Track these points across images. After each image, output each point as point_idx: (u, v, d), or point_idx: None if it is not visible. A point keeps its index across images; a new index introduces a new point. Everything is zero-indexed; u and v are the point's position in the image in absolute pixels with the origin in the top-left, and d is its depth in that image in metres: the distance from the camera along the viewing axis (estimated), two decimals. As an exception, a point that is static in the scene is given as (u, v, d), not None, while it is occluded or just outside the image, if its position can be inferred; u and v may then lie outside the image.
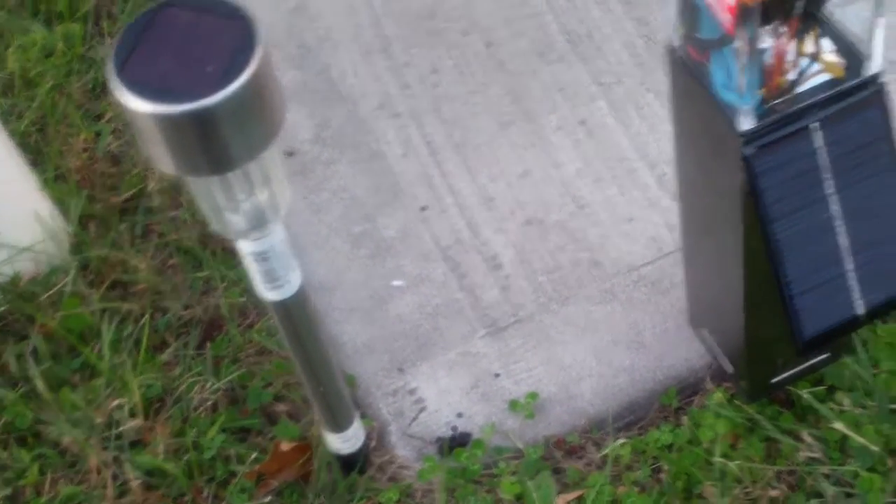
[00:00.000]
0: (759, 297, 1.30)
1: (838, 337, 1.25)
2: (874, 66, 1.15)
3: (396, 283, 1.69)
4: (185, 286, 1.64)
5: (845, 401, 1.51)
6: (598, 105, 1.82)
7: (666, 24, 1.17)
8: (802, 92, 1.14)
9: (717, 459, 1.48)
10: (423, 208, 1.75)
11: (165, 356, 1.57)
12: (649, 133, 1.78)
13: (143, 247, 1.68)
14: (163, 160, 0.95)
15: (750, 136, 1.14)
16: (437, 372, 1.61)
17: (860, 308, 1.24)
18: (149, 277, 1.62)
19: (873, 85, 1.16)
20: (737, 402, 1.52)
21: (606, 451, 1.51)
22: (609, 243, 1.69)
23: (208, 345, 1.59)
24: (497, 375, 1.60)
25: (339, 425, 1.40)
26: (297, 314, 1.21)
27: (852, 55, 1.15)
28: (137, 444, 1.50)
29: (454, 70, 1.89)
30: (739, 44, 1.05)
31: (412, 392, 1.60)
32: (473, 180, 1.77)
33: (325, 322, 1.66)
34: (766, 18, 1.06)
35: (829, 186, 1.18)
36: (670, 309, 1.61)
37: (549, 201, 1.74)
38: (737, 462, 1.48)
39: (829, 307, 1.23)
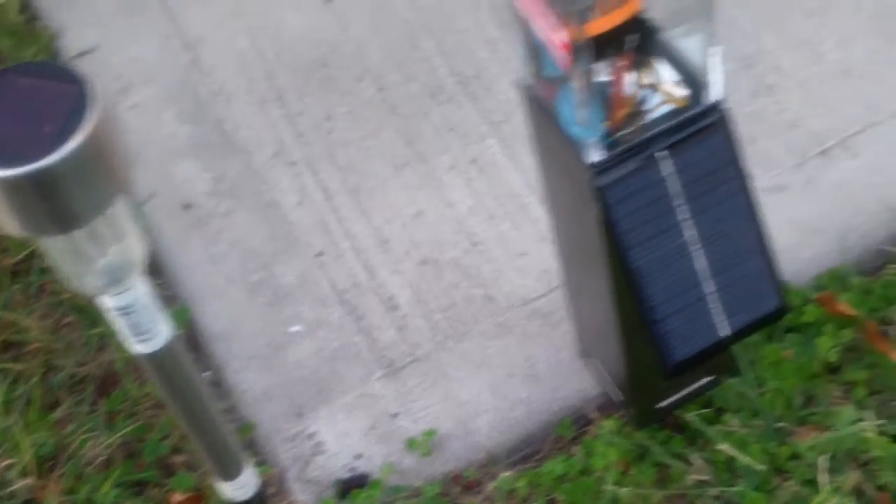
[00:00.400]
0: (631, 324, 1.33)
1: (706, 360, 1.28)
2: (714, 94, 1.19)
3: (294, 329, 1.71)
4: (80, 343, 1.65)
5: (733, 421, 1.54)
6: (489, 143, 1.86)
7: (519, 63, 1.20)
8: (648, 122, 1.18)
9: (609, 487, 1.50)
10: (320, 254, 1.78)
11: (59, 413, 1.58)
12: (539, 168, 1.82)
13: (37, 306, 1.69)
14: (8, 221, 0.97)
15: (599, 168, 1.17)
16: (335, 415, 1.63)
17: (725, 329, 1.27)
18: (41, 336, 1.63)
19: (715, 112, 1.20)
20: (628, 429, 1.55)
21: (496, 483, 1.53)
22: (503, 278, 1.72)
23: (103, 400, 1.60)
24: (395, 415, 1.62)
25: (229, 473, 1.41)
26: (169, 365, 1.22)
27: (695, 84, 1.19)
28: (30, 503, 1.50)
29: (348, 116, 1.92)
30: (575, 79, 1.09)
31: (311, 436, 1.61)
32: (368, 223, 1.80)
33: (223, 371, 1.68)
34: (600, 53, 1.10)
35: (682, 212, 1.22)
36: (563, 340, 1.64)
37: (443, 240, 1.77)
38: (628, 489, 1.50)
39: (694, 331, 1.26)
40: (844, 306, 1.59)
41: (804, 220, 1.72)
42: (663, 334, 1.25)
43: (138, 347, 1.19)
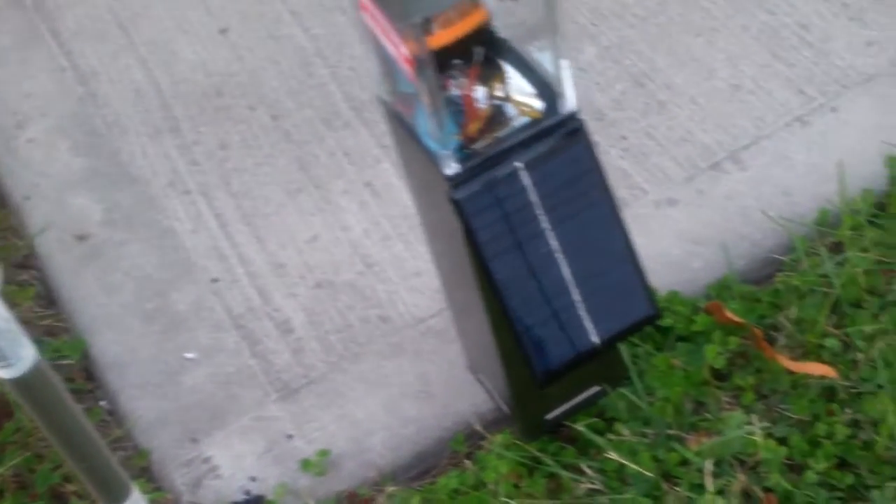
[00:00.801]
0: (506, 337, 1.34)
1: (577, 368, 1.29)
2: (568, 104, 1.20)
3: (189, 355, 1.70)
4: (-31, 376, 1.64)
5: (624, 431, 1.55)
6: (383, 167, 1.87)
7: (374, 78, 1.22)
8: (505, 134, 1.20)
9: (501, 500, 1.51)
10: (215, 280, 1.78)
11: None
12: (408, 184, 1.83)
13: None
14: None
15: (456, 181, 1.18)
16: (230, 439, 1.62)
17: (594, 338, 1.28)
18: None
19: (571, 122, 1.22)
20: (521, 442, 1.55)
21: (389, 501, 1.53)
22: (397, 298, 1.73)
23: (-7, 432, 1.59)
24: (290, 437, 1.62)
25: (114, 498, 1.40)
26: (38, 390, 1.21)
27: (551, 96, 1.21)
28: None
29: (242, 144, 1.93)
30: (422, 93, 1.10)
31: (206, 461, 1.61)
32: (263, 249, 1.80)
33: (118, 399, 1.67)
34: (444, 66, 1.11)
35: (545, 222, 1.23)
36: (456, 357, 1.65)
37: (338, 263, 1.77)
38: (519, 500, 1.51)
39: (563, 339, 1.27)
40: (731, 314, 1.61)
41: (695, 232, 1.74)
42: (532, 344, 1.26)
43: (1, 373, 1.18)
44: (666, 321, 1.63)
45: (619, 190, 1.79)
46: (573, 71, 1.18)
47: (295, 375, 1.67)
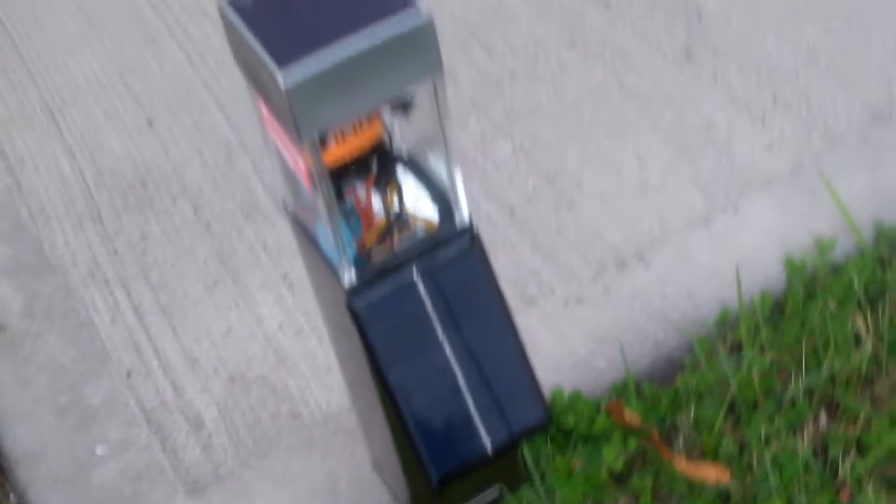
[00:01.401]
0: (403, 440, 1.38)
1: (471, 473, 1.33)
2: (462, 216, 1.26)
3: (99, 450, 1.72)
4: None
5: (525, 531, 1.59)
6: (300, 261, 1.90)
7: (279, 187, 1.26)
8: (402, 244, 1.24)
9: None
10: (129, 373, 1.80)
11: None
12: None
13: None
14: None
15: (354, 290, 1.23)
16: (139, 536, 1.65)
17: (487, 445, 1.32)
18: None
19: (467, 234, 1.27)
20: (424, 540, 1.59)
21: None
22: (308, 394, 1.76)
23: None
24: (198, 534, 1.64)
25: None
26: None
27: (446, 207, 1.26)
28: None
29: (162, 236, 1.96)
30: (319, 205, 1.15)
31: (114, 558, 1.63)
32: (179, 341, 1.83)
33: (27, 494, 1.69)
34: (341, 180, 1.16)
35: (440, 331, 1.28)
36: (364, 455, 1.68)
37: (251, 357, 1.81)
38: None
39: (457, 446, 1.31)
40: (630, 415, 1.66)
41: (600, 331, 1.80)
42: (426, 450, 1.30)
43: None
44: (568, 422, 1.68)
45: (529, 287, 1.85)
46: (464, 182, 1.23)
47: (204, 472, 1.69)
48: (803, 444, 1.64)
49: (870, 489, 1.59)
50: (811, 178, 1.93)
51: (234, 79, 2.12)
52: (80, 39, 2.29)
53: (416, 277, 1.25)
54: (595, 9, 2.22)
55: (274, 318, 1.85)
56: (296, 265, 1.91)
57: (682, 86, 2.08)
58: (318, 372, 1.78)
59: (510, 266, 1.87)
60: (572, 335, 1.80)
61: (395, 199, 1.23)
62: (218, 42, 2.23)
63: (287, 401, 1.76)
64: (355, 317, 1.24)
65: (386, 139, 1.20)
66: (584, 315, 1.82)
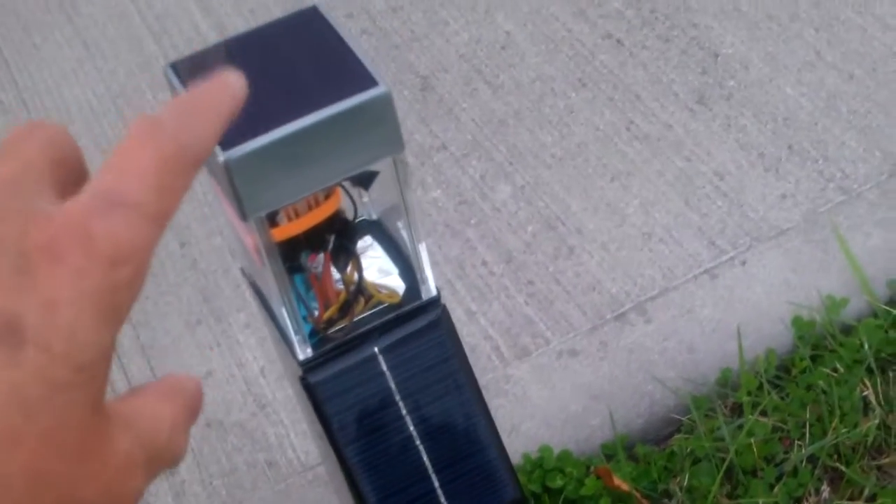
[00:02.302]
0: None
1: (436, 552, 1.26)
2: (429, 290, 1.18)
3: (67, 495, 1.66)
4: None
5: None
6: (286, 302, 1.84)
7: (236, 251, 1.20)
8: (362, 318, 1.17)
9: None
10: (104, 414, 1.74)
11: None
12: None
13: None
14: None
15: (309, 365, 1.15)
16: (102, 587, 1.58)
17: (454, 524, 1.25)
18: None
19: (433, 307, 1.19)
20: None
21: None
22: (286, 442, 1.69)
23: None
24: (163, 588, 1.58)
25: None
26: None
27: (411, 280, 1.18)
28: None
29: (148, 271, 1.90)
30: (269, 281, 1.08)
31: None
32: (157, 383, 1.77)
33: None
34: (291, 257, 1.09)
35: (404, 408, 1.20)
36: (340, 510, 1.61)
37: (230, 401, 1.74)
38: None
39: (421, 525, 1.24)
40: (619, 481, 1.58)
41: (594, 386, 1.72)
42: (388, 530, 1.23)
43: None
44: (556, 483, 1.60)
45: (522, 337, 1.77)
46: (435, 235, 1.15)
47: (174, 521, 1.63)
48: (803, 518, 1.56)
49: (870, 570, 1.50)
50: (825, 231, 1.84)
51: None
52: (76, 64, 2.24)
53: (378, 352, 1.18)
54: (607, 46, 2.14)
55: (256, 361, 1.78)
56: (282, 306, 1.84)
57: (693, 131, 2.00)
58: (298, 420, 1.71)
59: (504, 314, 1.79)
60: (565, 389, 1.72)
61: (355, 272, 1.16)
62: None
63: (264, 449, 1.69)
64: (311, 392, 1.16)
65: (344, 213, 1.13)
66: (578, 369, 1.74)
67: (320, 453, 1.47)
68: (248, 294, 1.83)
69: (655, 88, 2.06)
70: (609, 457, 1.65)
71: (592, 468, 1.62)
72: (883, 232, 1.84)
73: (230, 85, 0.49)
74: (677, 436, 1.67)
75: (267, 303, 1.19)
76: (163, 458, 0.46)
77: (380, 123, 1.02)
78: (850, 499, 1.58)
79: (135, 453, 0.43)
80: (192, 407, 0.48)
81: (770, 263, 1.82)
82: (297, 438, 1.69)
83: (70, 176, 0.48)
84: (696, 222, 1.88)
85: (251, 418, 1.72)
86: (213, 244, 1.93)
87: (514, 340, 1.77)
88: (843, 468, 1.59)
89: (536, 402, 1.70)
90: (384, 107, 1.01)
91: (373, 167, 1.07)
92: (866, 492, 1.57)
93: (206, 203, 1.99)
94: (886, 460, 1.62)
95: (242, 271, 1.23)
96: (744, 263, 1.83)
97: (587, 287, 1.83)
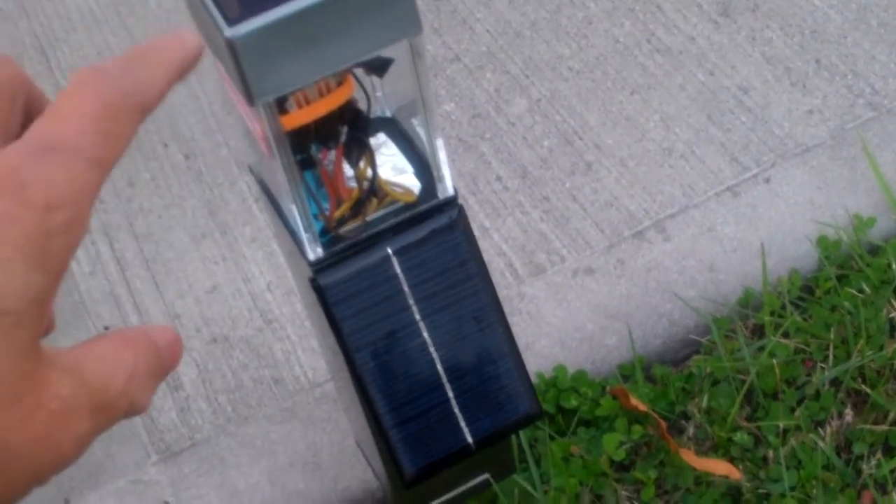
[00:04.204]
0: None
1: (449, 467, 1.20)
2: (446, 189, 1.12)
3: (68, 409, 1.62)
4: None
5: (515, 519, 1.47)
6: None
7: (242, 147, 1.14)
8: (376, 217, 1.11)
9: (377, 588, 1.43)
10: (107, 328, 1.69)
11: None
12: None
13: None
14: None
15: (320, 265, 1.10)
16: (104, 501, 1.54)
17: (468, 437, 1.19)
18: None
19: (449, 207, 1.13)
20: (406, 524, 1.47)
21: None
22: (293, 359, 1.64)
23: None
24: (166, 503, 1.53)
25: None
26: None
27: (427, 178, 1.12)
28: None
29: (151, 183, 1.84)
30: (278, 173, 1.02)
31: (75, 526, 1.52)
32: (161, 297, 1.72)
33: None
34: (301, 147, 1.03)
35: (417, 312, 1.15)
36: (349, 426, 1.57)
37: (236, 317, 1.69)
38: (396, 590, 1.42)
39: (434, 437, 1.19)
40: (636, 401, 1.53)
41: (611, 305, 1.66)
42: (400, 441, 1.17)
43: None
44: (570, 403, 1.55)
45: (537, 254, 1.71)
46: (448, 149, 1.09)
47: (179, 437, 1.58)
48: (825, 441, 1.51)
49: (895, 493, 1.45)
50: (853, 149, 1.78)
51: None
52: (80, -29, 2.17)
53: (391, 253, 1.12)
54: (628, -42, 2.06)
55: (262, 276, 1.73)
56: (290, 220, 1.78)
57: (716, 44, 1.92)
58: (305, 336, 1.66)
59: (518, 231, 1.73)
60: (581, 308, 1.67)
61: (368, 168, 1.09)
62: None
63: (270, 366, 1.64)
64: (321, 294, 1.11)
65: (356, 102, 1.06)
66: (594, 287, 1.68)
67: (329, 367, 1.43)
68: (255, 207, 1.78)
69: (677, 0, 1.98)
70: (626, 378, 1.59)
71: (608, 389, 1.57)
72: (912, 150, 1.77)
73: (185, 39, 0.49)
74: (696, 357, 1.61)
75: (276, 201, 1.13)
76: (116, 407, 0.44)
77: (396, 1, 0.95)
78: (875, 423, 1.53)
79: (77, 399, 0.43)
80: (161, 359, 0.47)
81: (795, 181, 1.76)
82: (304, 355, 1.64)
83: (15, 116, 0.48)
84: (719, 138, 1.82)
85: (257, 334, 1.67)
86: (218, 156, 1.87)
87: (528, 257, 1.71)
88: (867, 391, 1.54)
89: (551, 321, 1.65)
90: (401, -21, 0.94)
91: (388, 53, 1.01)
92: (892, 415, 1.52)
93: (210, 114, 1.92)
94: (913, 383, 1.56)
95: (251, 169, 1.17)
96: (767, 181, 1.76)
97: (604, 204, 1.77)
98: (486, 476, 1.45)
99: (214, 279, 1.73)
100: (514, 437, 1.48)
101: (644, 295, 1.67)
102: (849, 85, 1.85)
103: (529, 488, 1.47)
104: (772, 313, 1.61)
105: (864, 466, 1.49)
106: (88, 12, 2.09)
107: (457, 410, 1.19)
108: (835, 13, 1.93)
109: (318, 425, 1.58)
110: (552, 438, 1.52)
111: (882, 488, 1.48)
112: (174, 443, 1.58)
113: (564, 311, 1.66)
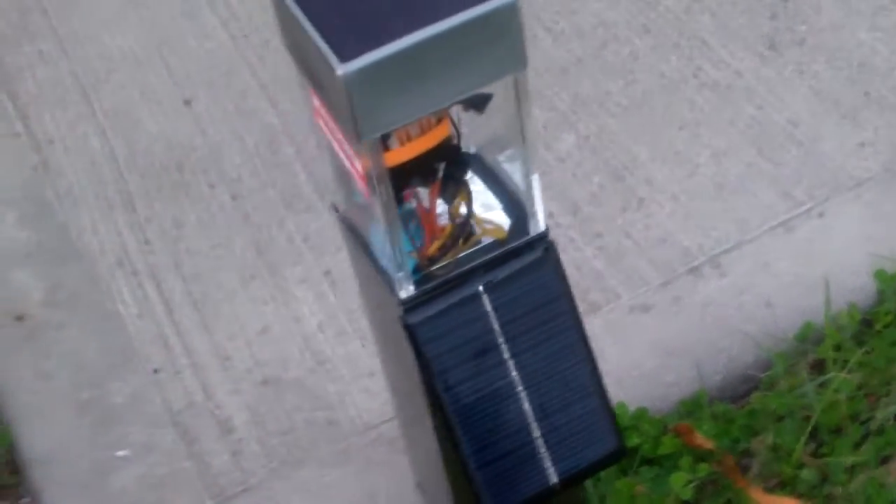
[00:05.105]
0: (457, 467, 1.23)
1: (534, 506, 1.18)
2: (538, 224, 1.10)
3: (121, 453, 1.59)
4: None
5: (584, 561, 1.44)
6: (344, 255, 1.75)
7: (329, 184, 1.12)
8: (466, 255, 1.09)
9: None
10: (157, 371, 1.66)
11: None
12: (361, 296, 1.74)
13: None
14: None
15: (411, 304, 1.08)
16: (161, 549, 1.51)
17: (553, 477, 1.17)
18: None
19: (540, 244, 1.11)
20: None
21: None
22: (348, 400, 1.62)
23: None
24: (224, 549, 1.50)
25: None
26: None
27: (518, 215, 1.11)
28: None
29: (198, 224, 1.82)
30: (376, 210, 1.00)
31: (132, 573, 1.49)
32: (210, 339, 1.69)
33: (41, 497, 1.55)
34: (402, 184, 1.01)
35: (506, 351, 1.13)
36: (407, 470, 1.54)
37: (287, 358, 1.67)
38: None
39: (519, 478, 1.16)
40: (701, 438, 1.51)
41: (668, 342, 1.64)
42: (485, 481, 1.15)
43: None
44: (632, 441, 1.53)
45: (592, 292, 1.69)
46: (542, 181, 1.07)
47: (232, 481, 1.55)
48: (892, 477, 1.48)
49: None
50: (905, 182, 1.77)
51: (280, 58, 1.98)
52: (117, 12, 2.15)
53: (482, 291, 1.10)
54: (669, -7, 2.06)
55: (314, 316, 1.71)
56: (339, 260, 1.76)
57: (764, 79, 1.92)
58: (359, 376, 1.64)
59: (572, 268, 1.71)
60: (638, 346, 1.65)
61: (463, 205, 1.08)
62: (262, 18, 2.09)
63: (324, 407, 1.62)
64: (411, 334, 1.08)
65: (454, 139, 1.05)
66: (651, 324, 1.66)
67: (396, 406, 1.40)
68: (304, 247, 1.76)
69: (723, 34, 1.98)
70: (686, 415, 1.57)
71: (670, 426, 1.55)
72: (966, 183, 1.76)
73: None
74: (755, 393, 1.59)
75: (363, 240, 1.11)
76: None
77: (505, 35, 0.94)
78: (944, 458, 1.51)
79: None
80: None
81: (849, 215, 1.74)
82: (359, 396, 1.62)
83: None
84: (771, 172, 1.80)
85: (309, 375, 1.65)
86: (266, 197, 1.85)
87: (583, 295, 1.69)
88: (934, 425, 1.52)
89: (608, 359, 1.63)
90: (511, 17, 0.93)
91: (487, 89, 1.00)
92: (960, 450, 1.50)
93: (256, 154, 1.91)
94: (980, 418, 1.54)
95: (334, 208, 1.15)
96: (821, 215, 1.75)
97: (658, 240, 1.75)
98: (556, 517, 1.43)
99: (265, 320, 1.71)
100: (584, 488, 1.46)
101: (701, 331, 1.65)
102: (898, 118, 1.85)
103: (597, 529, 1.45)
104: (835, 348, 1.59)
105: (936, 503, 1.47)
106: (130, 53, 2.08)
107: (542, 450, 1.17)
108: (882, 45, 1.93)
109: (375, 468, 1.56)
110: (617, 478, 1.50)
111: (953, 525, 1.46)
112: (228, 487, 1.55)
113: (622, 348, 1.64)
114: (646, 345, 1.64)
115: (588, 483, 1.47)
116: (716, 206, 1.78)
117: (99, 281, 1.77)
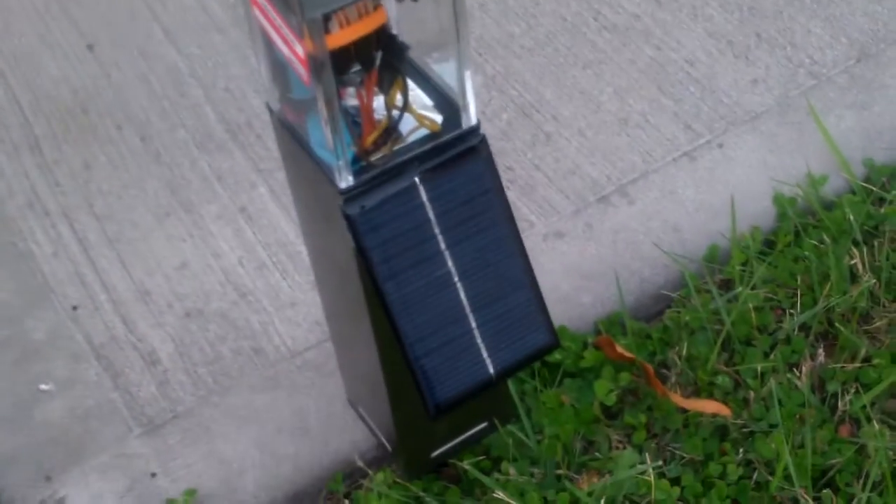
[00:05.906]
0: (394, 365, 1.26)
1: (472, 399, 1.21)
2: (470, 118, 1.14)
3: (44, 387, 1.57)
4: None
5: (511, 470, 1.48)
6: (259, 192, 1.78)
7: (262, 84, 1.13)
8: (402, 147, 1.12)
9: (381, 542, 1.42)
10: (75, 307, 1.65)
11: None
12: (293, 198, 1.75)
13: None
14: None
15: (350, 194, 1.10)
16: (88, 477, 1.50)
17: (491, 367, 1.21)
18: None
19: (472, 137, 1.15)
20: (402, 481, 1.47)
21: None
22: (272, 329, 1.63)
23: None
24: (154, 475, 1.50)
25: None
26: None
27: (451, 108, 1.14)
28: None
29: (108, 165, 1.81)
30: (318, 97, 1.02)
31: (60, 501, 1.48)
32: (129, 275, 1.68)
33: (-38, 435, 1.53)
34: (342, 69, 1.03)
35: (442, 242, 1.16)
36: (336, 391, 1.56)
37: (209, 291, 1.67)
38: (401, 543, 1.42)
39: (459, 369, 1.19)
40: (622, 350, 1.56)
41: (583, 267, 1.69)
42: (426, 372, 1.18)
43: None
44: (554, 357, 1.57)
45: (506, 222, 1.73)
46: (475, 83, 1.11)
47: (160, 410, 1.55)
48: (801, 381, 1.56)
49: (872, 424, 1.50)
50: (798, 114, 1.85)
51: (184, 3, 1.99)
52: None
53: (418, 182, 1.13)
54: (567, -58, 2.11)
55: (233, 251, 1.71)
56: (254, 197, 1.77)
57: (660, 21, 1.99)
58: (282, 307, 1.65)
59: (486, 199, 1.75)
60: (554, 270, 1.69)
61: (399, 96, 1.10)
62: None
63: (249, 337, 1.62)
64: (351, 224, 1.11)
65: (390, 30, 1.08)
66: (565, 250, 1.71)
67: (327, 317, 1.42)
68: (219, 186, 1.77)
69: (621, -21, 2.04)
70: (601, 333, 1.62)
71: (591, 341, 1.60)
72: (854, 114, 1.85)
73: None
74: (668, 311, 1.65)
75: (299, 137, 1.13)
76: None
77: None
78: (846, 362, 1.58)
79: None
80: None
81: (747, 145, 1.82)
82: (283, 325, 1.63)
83: None
84: (671, 108, 1.87)
85: (232, 307, 1.65)
86: (176, 138, 1.85)
87: (497, 225, 1.73)
88: (840, 330, 1.59)
89: (525, 284, 1.67)
90: None
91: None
92: (861, 354, 1.58)
93: (164, 96, 1.90)
94: (877, 324, 1.63)
95: (268, 107, 1.17)
96: (721, 146, 1.82)
97: (567, 171, 1.80)
98: (485, 424, 1.47)
99: (183, 256, 1.71)
100: (510, 386, 1.49)
101: (614, 255, 1.70)
102: (788, 56, 1.93)
103: (524, 437, 1.49)
104: (740, 266, 1.66)
105: (840, 402, 1.54)
106: (28, 2, 2.06)
107: (479, 341, 1.20)
108: (771, -12, 2.02)
109: (303, 392, 1.57)
110: (541, 391, 1.54)
111: (857, 422, 1.53)
112: (156, 416, 1.55)
113: (538, 273, 1.65)
114: (561, 269, 1.69)
115: (514, 395, 1.51)
116: (621, 140, 1.84)
117: (9, 222, 1.75)
